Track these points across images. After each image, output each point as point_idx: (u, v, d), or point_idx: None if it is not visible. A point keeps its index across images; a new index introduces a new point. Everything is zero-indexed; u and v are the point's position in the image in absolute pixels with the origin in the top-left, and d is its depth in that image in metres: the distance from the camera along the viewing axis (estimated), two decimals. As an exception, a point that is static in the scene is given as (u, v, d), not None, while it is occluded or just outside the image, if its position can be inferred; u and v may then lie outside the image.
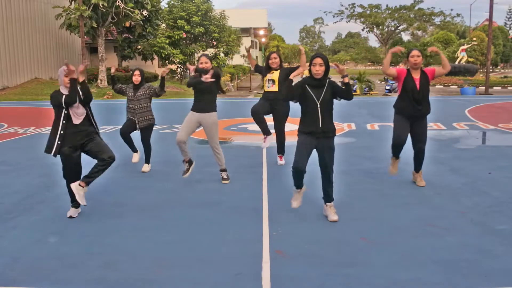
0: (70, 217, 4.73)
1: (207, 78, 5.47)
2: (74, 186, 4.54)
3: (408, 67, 5.50)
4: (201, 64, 5.71)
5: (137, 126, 6.45)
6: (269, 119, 6.72)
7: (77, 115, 4.51)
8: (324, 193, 4.60)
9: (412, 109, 5.39)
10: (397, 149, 5.67)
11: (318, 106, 4.35)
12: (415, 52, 5.40)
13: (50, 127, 4.61)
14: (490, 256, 3.69)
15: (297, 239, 4.09)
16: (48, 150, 4.53)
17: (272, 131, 6.73)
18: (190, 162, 5.97)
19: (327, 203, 4.59)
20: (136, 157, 6.83)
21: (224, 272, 3.48)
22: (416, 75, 5.43)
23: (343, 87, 4.43)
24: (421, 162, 5.64)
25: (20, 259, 3.75)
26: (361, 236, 4.14)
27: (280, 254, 3.78)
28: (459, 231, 4.22)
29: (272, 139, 6.72)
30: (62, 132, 4.48)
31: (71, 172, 4.62)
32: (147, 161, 6.68)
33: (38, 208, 5.06)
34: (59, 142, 4.48)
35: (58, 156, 4.54)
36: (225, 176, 6.03)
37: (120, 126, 6.69)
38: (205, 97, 5.77)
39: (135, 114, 6.41)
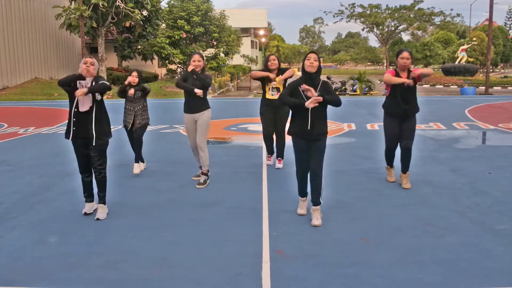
0: (85, 213, 4.76)
1: (198, 92, 5.57)
2: (99, 216, 4.68)
3: (396, 68, 5.52)
4: (194, 62, 5.66)
5: (135, 125, 6.33)
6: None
7: (83, 103, 4.48)
8: (311, 195, 4.52)
9: (400, 109, 5.40)
10: (390, 152, 5.70)
11: (309, 108, 4.29)
12: (405, 54, 5.38)
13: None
14: (490, 256, 3.69)
15: (297, 239, 4.09)
16: (66, 135, 4.64)
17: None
18: (206, 175, 5.91)
19: (313, 206, 4.51)
20: (137, 169, 6.48)
21: (224, 272, 3.48)
22: (404, 75, 5.43)
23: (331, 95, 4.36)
24: (408, 161, 5.60)
25: (20, 259, 3.75)
26: (361, 236, 4.14)
27: (280, 254, 3.78)
28: (459, 231, 4.22)
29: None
30: (75, 119, 4.52)
31: (81, 162, 4.68)
32: (137, 160, 6.45)
33: (38, 208, 5.06)
34: (74, 128, 4.53)
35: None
36: (201, 181, 5.81)
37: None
38: (196, 98, 5.73)
39: (134, 115, 6.31)
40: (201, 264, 3.62)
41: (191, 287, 3.28)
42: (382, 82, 30.81)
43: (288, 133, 4.53)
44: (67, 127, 4.64)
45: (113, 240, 4.13)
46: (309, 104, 4.17)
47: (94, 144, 4.57)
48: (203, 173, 5.91)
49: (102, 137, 4.62)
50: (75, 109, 4.50)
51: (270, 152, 6.88)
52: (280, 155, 6.71)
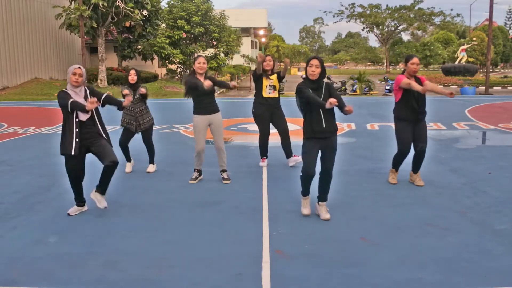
0: (68, 214, 4.76)
1: (207, 85, 5.46)
2: (92, 194, 4.75)
3: (405, 73, 5.50)
4: (199, 63, 5.71)
5: (139, 128, 6.37)
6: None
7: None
8: (320, 192, 4.61)
9: (414, 113, 5.45)
10: (403, 157, 5.68)
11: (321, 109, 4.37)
12: (416, 60, 5.41)
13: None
14: (490, 256, 3.69)
15: (297, 239, 4.09)
16: (65, 150, 4.52)
17: (273, 131, 6.72)
18: (200, 172, 6.12)
19: (320, 202, 4.63)
20: (129, 167, 6.62)
21: (224, 272, 3.48)
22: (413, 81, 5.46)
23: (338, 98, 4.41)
24: (421, 162, 5.67)
25: (20, 259, 3.74)
26: (361, 236, 4.14)
27: (280, 254, 3.78)
28: (459, 231, 4.22)
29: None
30: (77, 130, 4.50)
31: (74, 171, 4.64)
32: (152, 161, 6.67)
33: (38, 208, 5.06)
34: (77, 140, 4.50)
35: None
36: (226, 176, 6.04)
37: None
38: (209, 98, 5.82)
39: (135, 118, 6.31)
40: (201, 264, 3.62)
41: (191, 287, 3.28)
42: (382, 82, 30.79)
43: (305, 138, 4.51)
44: (66, 141, 4.51)
45: (113, 240, 4.13)
46: (329, 105, 4.19)
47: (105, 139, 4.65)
48: (224, 171, 6.07)
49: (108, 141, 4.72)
50: (77, 119, 4.49)
51: (264, 154, 6.82)
52: (290, 152, 6.65)
